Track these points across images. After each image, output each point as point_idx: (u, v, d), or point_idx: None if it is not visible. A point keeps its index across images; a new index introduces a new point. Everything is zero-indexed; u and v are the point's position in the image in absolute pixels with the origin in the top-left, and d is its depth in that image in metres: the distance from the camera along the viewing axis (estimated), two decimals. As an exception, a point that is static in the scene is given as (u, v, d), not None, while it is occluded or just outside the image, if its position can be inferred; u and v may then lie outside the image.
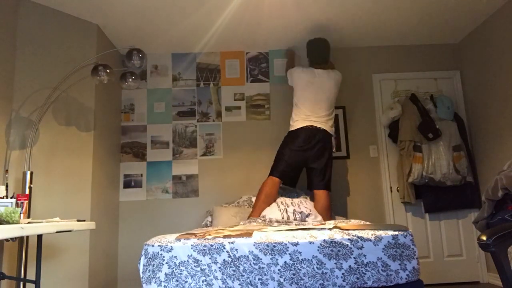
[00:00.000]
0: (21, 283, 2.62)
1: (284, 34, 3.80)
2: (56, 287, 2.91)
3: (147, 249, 1.93)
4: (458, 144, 3.72)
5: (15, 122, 2.96)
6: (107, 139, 3.55)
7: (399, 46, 4.17)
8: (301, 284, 1.81)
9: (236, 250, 1.88)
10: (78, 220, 2.47)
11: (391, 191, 3.89)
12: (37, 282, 2.42)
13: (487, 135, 3.71)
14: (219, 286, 1.83)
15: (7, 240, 2.56)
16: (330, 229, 2.02)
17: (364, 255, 1.83)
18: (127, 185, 3.87)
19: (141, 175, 3.88)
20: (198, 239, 1.94)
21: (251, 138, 3.98)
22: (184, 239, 1.95)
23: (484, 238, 1.15)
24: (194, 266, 1.85)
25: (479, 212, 2.37)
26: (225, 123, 3.99)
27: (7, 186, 2.63)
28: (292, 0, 3.18)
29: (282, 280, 1.81)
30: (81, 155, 3.14)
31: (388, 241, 1.84)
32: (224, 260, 1.86)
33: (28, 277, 2.64)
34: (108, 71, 2.94)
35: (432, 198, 3.74)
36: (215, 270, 1.84)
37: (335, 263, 1.82)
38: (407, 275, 1.81)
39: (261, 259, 1.84)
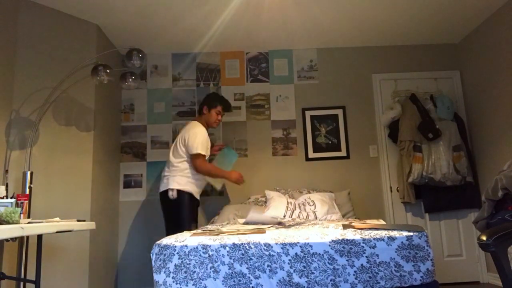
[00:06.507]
0: (21, 283, 2.62)
1: (284, 34, 3.80)
2: (56, 287, 2.91)
3: (162, 240, 1.96)
4: (458, 144, 3.72)
5: (15, 122, 2.96)
6: (107, 139, 3.54)
7: (399, 46, 4.17)
8: (311, 278, 1.79)
9: (247, 235, 1.91)
10: (78, 220, 2.48)
11: (391, 191, 3.89)
12: (37, 282, 2.42)
13: (487, 135, 3.71)
14: (226, 272, 1.81)
15: (7, 240, 2.56)
16: (343, 226, 2.04)
17: (377, 255, 1.81)
18: (127, 185, 3.86)
19: (141, 175, 3.87)
20: (211, 235, 1.98)
21: (251, 138, 3.98)
22: (198, 236, 1.99)
23: (484, 238, 1.15)
24: (203, 252, 1.85)
25: (479, 212, 2.37)
26: (225, 123, 3.98)
27: (7, 186, 2.63)
28: (292, 0, 3.19)
29: (292, 271, 1.80)
30: (81, 155, 3.14)
31: (402, 242, 1.83)
32: (233, 243, 1.86)
33: (28, 277, 2.64)
34: (108, 71, 2.94)
35: (432, 198, 3.74)
36: (223, 255, 1.83)
37: (346, 260, 1.81)
38: (421, 276, 1.79)
39: (272, 247, 1.84)
